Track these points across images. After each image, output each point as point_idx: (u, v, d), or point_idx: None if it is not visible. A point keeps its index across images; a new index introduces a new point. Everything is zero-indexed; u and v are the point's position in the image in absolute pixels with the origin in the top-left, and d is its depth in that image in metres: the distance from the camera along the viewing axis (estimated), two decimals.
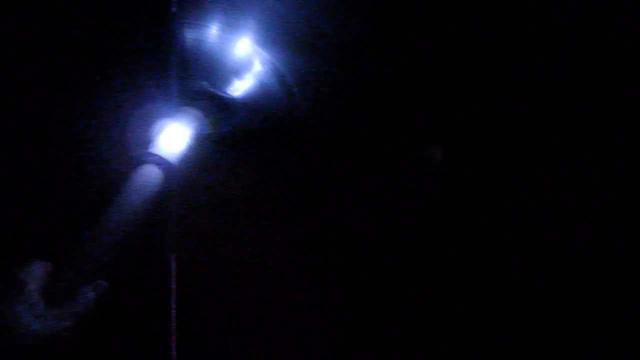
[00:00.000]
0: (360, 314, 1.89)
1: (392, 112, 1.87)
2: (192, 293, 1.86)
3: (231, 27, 1.76)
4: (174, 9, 1.73)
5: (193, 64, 1.77)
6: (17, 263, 1.46)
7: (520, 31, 1.83)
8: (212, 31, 1.76)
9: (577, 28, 1.83)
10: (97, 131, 1.77)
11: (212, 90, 1.77)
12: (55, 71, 1.78)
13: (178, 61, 1.76)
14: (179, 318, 1.81)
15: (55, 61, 1.79)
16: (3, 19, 1.77)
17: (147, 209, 1.62)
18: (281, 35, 1.78)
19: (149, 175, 1.64)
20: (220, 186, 1.84)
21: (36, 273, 1.46)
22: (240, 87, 1.79)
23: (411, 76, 1.87)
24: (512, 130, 1.87)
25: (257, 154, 1.84)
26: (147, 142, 1.67)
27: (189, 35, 1.76)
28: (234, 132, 1.79)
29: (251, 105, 1.80)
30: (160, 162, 1.64)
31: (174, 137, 1.69)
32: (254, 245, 1.91)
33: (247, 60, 1.78)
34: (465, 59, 1.85)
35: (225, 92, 1.77)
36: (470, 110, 1.86)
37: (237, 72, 1.78)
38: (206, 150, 1.75)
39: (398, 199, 1.88)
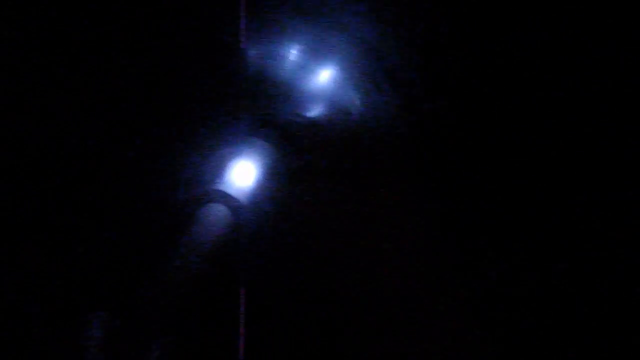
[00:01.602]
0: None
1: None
2: (262, 330, 1.79)
3: (303, 53, 1.67)
4: (242, 41, 1.65)
5: (263, 94, 1.68)
6: (76, 318, 1.39)
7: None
8: (282, 58, 1.67)
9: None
10: (159, 168, 1.69)
11: (282, 120, 1.67)
12: (119, 106, 1.71)
13: (246, 91, 1.67)
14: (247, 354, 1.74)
15: (119, 96, 1.72)
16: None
17: (216, 249, 1.54)
18: (358, 63, 1.68)
19: (216, 214, 1.56)
20: (290, 221, 1.75)
21: (97, 328, 1.39)
22: (313, 117, 1.69)
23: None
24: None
25: (330, 189, 1.75)
26: (213, 178, 1.59)
27: (258, 63, 1.68)
28: (306, 165, 1.70)
29: (325, 135, 1.71)
30: (228, 200, 1.57)
31: (242, 172, 1.61)
32: (324, 279, 1.82)
33: (320, 88, 1.69)
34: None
35: (297, 123, 1.68)
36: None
37: (309, 101, 1.68)
38: (277, 185, 1.66)
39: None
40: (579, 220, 1.78)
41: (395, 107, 1.74)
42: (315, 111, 1.69)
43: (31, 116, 1.69)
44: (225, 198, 1.57)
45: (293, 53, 1.68)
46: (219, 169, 1.61)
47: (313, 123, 1.70)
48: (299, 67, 1.68)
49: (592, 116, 1.76)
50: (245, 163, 1.63)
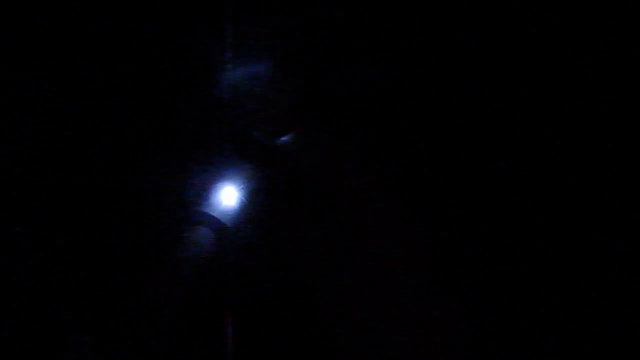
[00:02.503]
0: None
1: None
2: (249, 351, 1.77)
3: (287, 75, 1.67)
4: (227, 62, 1.65)
5: (246, 115, 1.67)
6: (56, 340, 1.38)
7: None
8: (266, 80, 1.67)
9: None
10: (143, 191, 1.68)
11: (265, 141, 1.66)
12: (101, 128, 1.71)
13: (230, 113, 1.67)
14: None
15: (102, 119, 1.71)
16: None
17: (201, 272, 1.54)
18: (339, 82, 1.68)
19: (201, 238, 1.56)
20: (275, 242, 1.74)
21: (79, 350, 1.37)
22: (296, 138, 1.68)
23: None
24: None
25: (314, 210, 1.74)
26: (198, 201, 1.59)
27: (242, 85, 1.67)
28: (290, 186, 1.69)
29: (308, 156, 1.70)
30: (212, 222, 1.56)
31: (226, 194, 1.60)
32: (311, 300, 1.80)
33: (304, 110, 1.68)
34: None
35: (280, 144, 1.67)
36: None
37: (293, 122, 1.67)
38: (260, 207, 1.65)
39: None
40: (562, 237, 1.77)
41: (376, 124, 1.74)
42: (298, 132, 1.69)
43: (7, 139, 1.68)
44: (210, 220, 1.56)
45: (277, 74, 1.68)
46: (203, 191, 1.60)
47: (296, 144, 1.69)
48: (283, 89, 1.67)
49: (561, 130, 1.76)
50: (229, 185, 1.62)
